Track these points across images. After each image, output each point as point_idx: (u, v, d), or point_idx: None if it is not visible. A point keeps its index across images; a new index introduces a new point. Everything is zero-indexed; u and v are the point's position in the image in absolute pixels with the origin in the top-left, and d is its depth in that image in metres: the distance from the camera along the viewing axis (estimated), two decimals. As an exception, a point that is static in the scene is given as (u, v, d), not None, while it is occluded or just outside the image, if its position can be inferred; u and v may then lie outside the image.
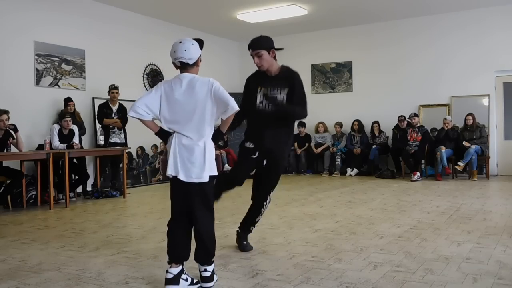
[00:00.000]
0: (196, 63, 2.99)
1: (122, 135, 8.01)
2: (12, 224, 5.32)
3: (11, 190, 6.44)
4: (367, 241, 4.05)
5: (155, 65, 9.68)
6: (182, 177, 2.89)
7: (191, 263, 3.06)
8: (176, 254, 2.93)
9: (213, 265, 2.98)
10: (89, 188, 7.70)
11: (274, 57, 3.81)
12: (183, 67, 2.96)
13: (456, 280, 2.96)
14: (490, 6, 9.34)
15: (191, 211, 2.95)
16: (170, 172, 2.94)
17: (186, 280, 2.93)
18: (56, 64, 7.73)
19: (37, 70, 7.44)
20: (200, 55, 3.03)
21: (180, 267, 2.91)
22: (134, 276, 3.18)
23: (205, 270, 2.94)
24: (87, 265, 3.48)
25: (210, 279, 2.94)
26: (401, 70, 10.33)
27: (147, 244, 4.12)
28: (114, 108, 7.93)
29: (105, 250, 3.93)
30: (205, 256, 2.95)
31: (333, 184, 8.57)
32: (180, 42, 2.97)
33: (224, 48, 11.79)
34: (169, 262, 2.92)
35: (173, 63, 3.00)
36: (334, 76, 11.16)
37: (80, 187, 7.55)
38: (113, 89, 7.89)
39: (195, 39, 3.07)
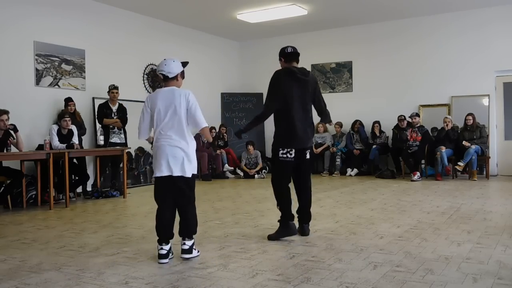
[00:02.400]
0: (176, 78, 3.60)
1: (122, 135, 7.98)
2: (12, 224, 5.32)
3: (11, 190, 6.43)
4: (367, 241, 4.05)
5: (155, 65, 9.67)
6: (166, 173, 3.49)
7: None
8: (165, 235, 3.51)
9: (192, 241, 3.54)
10: (89, 188, 7.70)
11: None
12: (165, 79, 3.60)
13: (456, 280, 2.96)
14: (490, 6, 9.34)
15: (176, 198, 3.56)
16: (159, 174, 3.53)
17: (195, 249, 3.61)
18: (56, 64, 7.73)
19: (37, 70, 7.44)
20: (182, 72, 3.65)
21: (170, 245, 3.52)
22: (134, 276, 3.18)
23: (184, 243, 3.51)
24: (87, 265, 3.48)
25: (188, 251, 3.51)
26: (401, 70, 10.32)
27: (147, 244, 4.12)
28: (114, 108, 7.91)
29: (105, 250, 3.93)
30: (187, 231, 3.53)
31: (333, 184, 8.57)
32: (164, 59, 3.63)
33: (224, 48, 11.78)
34: (160, 242, 3.49)
35: (158, 75, 3.65)
36: (334, 76, 11.16)
37: (80, 187, 7.54)
38: (113, 89, 7.88)
39: (182, 62, 3.67)
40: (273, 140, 4.29)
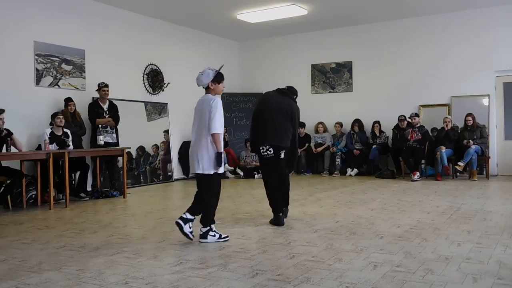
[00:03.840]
0: (208, 86, 4.21)
1: (114, 135, 7.80)
2: (12, 224, 5.32)
3: (11, 190, 6.43)
4: (367, 241, 4.05)
5: (155, 65, 9.68)
6: (192, 169, 4.16)
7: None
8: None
9: (207, 228, 4.12)
10: (89, 188, 7.67)
11: None
12: (204, 89, 4.27)
13: (456, 280, 2.96)
14: (490, 6, 9.34)
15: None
16: (191, 170, 4.24)
17: (214, 236, 4.14)
18: (56, 64, 7.73)
19: (37, 70, 7.44)
20: (214, 79, 4.20)
21: (208, 227, 4.12)
22: (134, 276, 3.18)
23: (201, 229, 4.14)
24: (87, 265, 3.48)
25: (203, 236, 4.12)
26: (401, 70, 10.32)
27: (147, 244, 4.12)
28: (105, 106, 7.76)
29: (105, 250, 3.93)
30: (202, 220, 4.15)
31: (333, 184, 8.57)
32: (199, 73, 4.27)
33: (224, 48, 11.78)
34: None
35: None
36: (334, 76, 11.15)
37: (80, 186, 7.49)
38: (103, 86, 7.67)
39: (218, 69, 4.31)
40: (255, 144, 5.00)
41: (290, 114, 5.00)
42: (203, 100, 4.19)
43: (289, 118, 4.98)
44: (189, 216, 4.12)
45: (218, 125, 4.04)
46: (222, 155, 4.10)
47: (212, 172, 4.09)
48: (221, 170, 4.16)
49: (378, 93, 10.52)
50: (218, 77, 4.23)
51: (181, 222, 4.11)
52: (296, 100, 5.22)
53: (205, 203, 4.16)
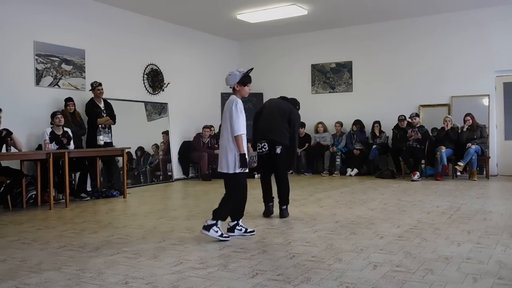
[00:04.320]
0: (234, 88, 4.32)
1: (110, 134, 7.77)
2: (12, 224, 5.32)
3: (11, 190, 6.43)
4: (367, 241, 4.05)
5: (155, 65, 9.68)
6: (219, 168, 4.28)
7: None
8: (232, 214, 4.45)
9: (213, 222, 4.13)
10: (89, 188, 7.67)
11: None
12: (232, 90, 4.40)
13: (456, 280, 2.96)
14: (490, 7, 9.34)
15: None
16: (219, 169, 4.33)
17: (217, 232, 4.15)
18: (56, 64, 7.72)
19: (37, 70, 7.44)
20: (240, 81, 4.27)
21: (214, 221, 4.15)
22: (134, 276, 3.18)
23: (206, 221, 4.19)
24: (87, 265, 3.48)
25: (206, 228, 4.14)
26: (401, 70, 10.32)
27: (147, 244, 4.12)
28: (101, 105, 7.73)
29: (105, 250, 3.93)
30: (215, 211, 4.20)
31: (333, 184, 8.57)
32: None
33: (224, 48, 11.78)
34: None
35: None
36: (334, 76, 11.15)
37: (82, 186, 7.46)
38: (98, 85, 7.63)
39: (246, 72, 4.35)
40: (255, 143, 5.28)
41: (288, 115, 5.22)
42: (227, 102, 4.32)
43: (286, 119, 5.20)
44: (232, 224, 4.37)
45: (238, 127, 4.14)
46: (246, 155, 4.19)
47: (231, 171, 4.19)
48: (245, 169, 4.26)
49: (378, 93, 10.52)
50: (244, 80, 4.31)
51: (229, 233, 4.31)
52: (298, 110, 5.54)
53: (225, 200, 4.29)
